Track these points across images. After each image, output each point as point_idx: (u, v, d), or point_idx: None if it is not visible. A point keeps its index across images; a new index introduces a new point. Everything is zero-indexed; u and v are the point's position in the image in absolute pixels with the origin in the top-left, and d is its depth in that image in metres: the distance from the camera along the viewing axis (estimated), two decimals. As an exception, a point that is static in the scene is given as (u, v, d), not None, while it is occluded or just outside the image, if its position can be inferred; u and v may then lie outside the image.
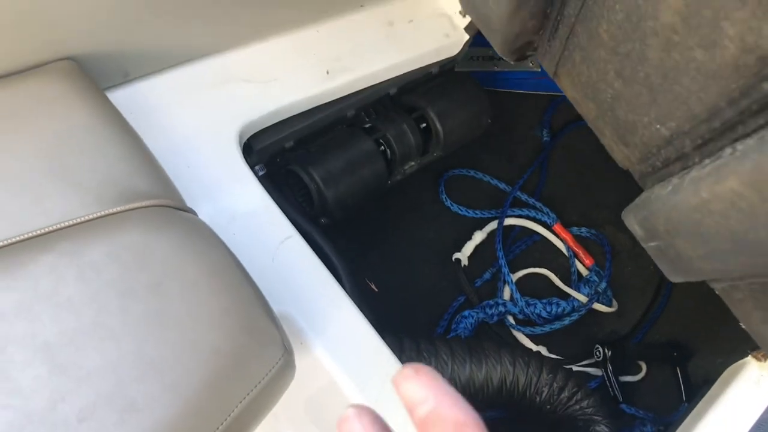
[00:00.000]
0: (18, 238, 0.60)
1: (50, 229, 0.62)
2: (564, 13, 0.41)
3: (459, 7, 1.11)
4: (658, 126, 0.39)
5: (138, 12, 0.78)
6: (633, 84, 0.38)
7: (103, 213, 0.64)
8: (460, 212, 1.33)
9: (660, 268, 0.48)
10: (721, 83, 0.34)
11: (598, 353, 1.20)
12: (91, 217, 0.64)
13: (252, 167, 0.88)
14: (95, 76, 0.79)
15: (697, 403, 0.96)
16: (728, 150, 0.36)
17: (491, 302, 1.22)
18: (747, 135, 0.36)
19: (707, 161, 0.36)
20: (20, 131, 0.67)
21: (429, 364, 0.93)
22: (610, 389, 1.18)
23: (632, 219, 0.45)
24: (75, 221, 0.63)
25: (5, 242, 0.60)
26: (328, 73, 0.98)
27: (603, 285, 1.28)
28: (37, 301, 0.58)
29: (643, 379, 1.24)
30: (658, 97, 0.37)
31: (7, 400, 0.54)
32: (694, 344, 1.27)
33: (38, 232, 0.61)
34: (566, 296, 1.27)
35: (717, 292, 0.50)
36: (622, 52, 0.37)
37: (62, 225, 0.63)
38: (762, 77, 0.33)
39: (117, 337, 0.58)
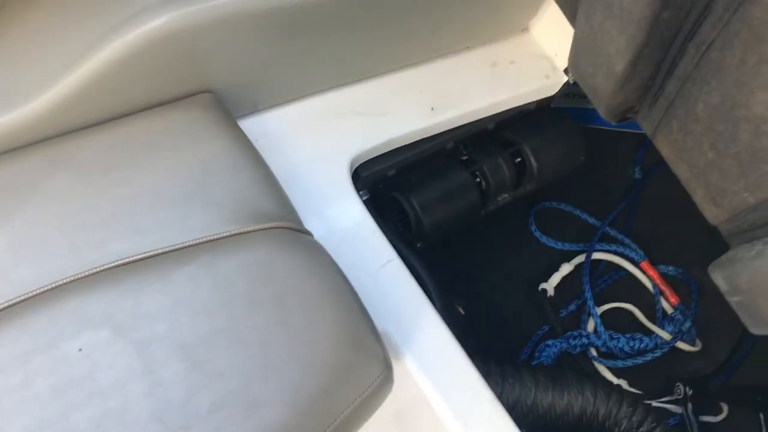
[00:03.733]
0: (167, 249, 0.70)
1: (192, 242, 0.71)
2: (664, 89, 0.47)
3: (559, 50, 1.17)
4: (746, 194, 0.43)
5: (271, 52, 0.88)
6: (725, 157, 0.43)
7: (236, 231, 0.73)
8: (548, 244, 1.37)
9: (742, 320, 0.53)
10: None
11: (678, 391, 1.21)
12: (226, 234, 0.72)
13: (357, 192, 0.97)
14: (230, 106, 0.89)
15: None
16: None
17: (575, 333, 1.25)
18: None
19: (789, 231, 0.41)
20: (170, 156, 0.77)
21: (513, 388, 0.98)
22: (689, 428, 1.19)
23: (718, 274, 0.50)
24: (212, 237, 0.72)
25: (157, 252, 0.69)
26: (432, 109, 1.05)
27: (687, 324, 1.29)
28: (177, 306, 0.67)
29: (723, 420, 1.24)
30: (747, 171, 0.42)
31: (151, 389, 0.62)
32: (779, 391, 1.26)
33: (183, 244, 0.70)
34: (650, 332, 1.29)
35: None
36: (716, 130, 0.42)
37: (202, 240, 0.72)
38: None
39: (245, 340, 0.66)
